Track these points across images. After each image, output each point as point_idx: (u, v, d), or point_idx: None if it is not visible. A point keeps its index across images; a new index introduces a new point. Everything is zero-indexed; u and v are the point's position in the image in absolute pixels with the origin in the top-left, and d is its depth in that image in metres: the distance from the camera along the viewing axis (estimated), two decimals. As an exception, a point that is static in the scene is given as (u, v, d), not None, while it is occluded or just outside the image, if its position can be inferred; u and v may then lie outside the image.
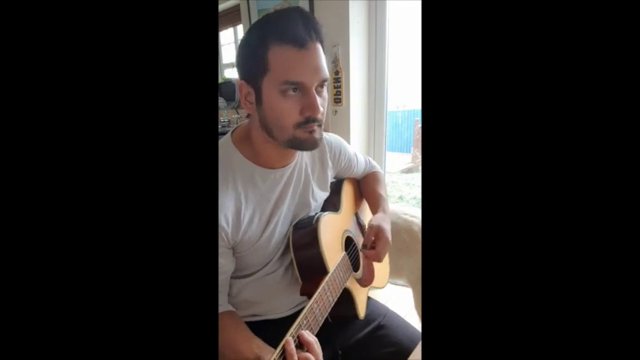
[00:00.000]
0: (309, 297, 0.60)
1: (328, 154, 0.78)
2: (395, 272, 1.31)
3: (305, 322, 0.56)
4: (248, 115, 0.67)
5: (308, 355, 0.50)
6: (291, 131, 0.59)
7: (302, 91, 0.57)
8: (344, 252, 0.73)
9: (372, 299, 0.84)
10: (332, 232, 0.72)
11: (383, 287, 0.95)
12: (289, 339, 0.50)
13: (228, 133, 0.70)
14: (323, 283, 0.62)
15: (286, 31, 0.55)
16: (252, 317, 0.73)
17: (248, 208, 0.65)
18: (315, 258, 0.66)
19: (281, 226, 0.70)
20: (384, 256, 0.76)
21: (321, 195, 0.79)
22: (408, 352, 0.70)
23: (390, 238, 0.76)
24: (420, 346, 0.67)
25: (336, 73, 1.55)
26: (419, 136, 4.83)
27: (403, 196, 3.99)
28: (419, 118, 4.93)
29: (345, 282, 0.70)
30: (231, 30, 2.75)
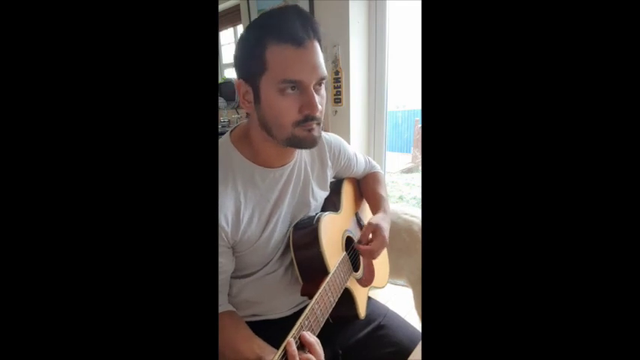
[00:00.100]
0: (310, 297, 0.60)
1: (328, 154, 0.78)
2: (395, 272, 1.31)
3: (306, 322, 0.56)
4: (247, 115, 0.67)
5: (310, 356, 0.50)
6: (290, 129, 0.59)
7: (300, 89, 0.57)
8: (344, 252, 0.73)
9: (372, 299, 0.84)
10: (332, 232, 0.72)
11: (383, 287, 0.95)
12: (291, 340, 0.50)
13: (227, 133, 0.70)
14: (324, 284, 0.62)
15: (284, 29, 0.55)
16: (253, 317, 0.73)
17: (247, 208, 0.65)
18: (315, 258, 0.66)
19: (281, 225, 0.70)
20: (379, 254, 0.76)
21: (321, 194, 0.78)
22: (408, 352, 0.70)
23: (387, 238, 0.76)
24: (420, 346, 0.67)
25: (336, 73, 1.55)
26: (419, 136, 4.83)
27: (403, 196, 3.99)
28: (419, 118, 4.93)
29: (346, 282, 0.70)
30: (231, 30, 2.75)
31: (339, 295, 0.67)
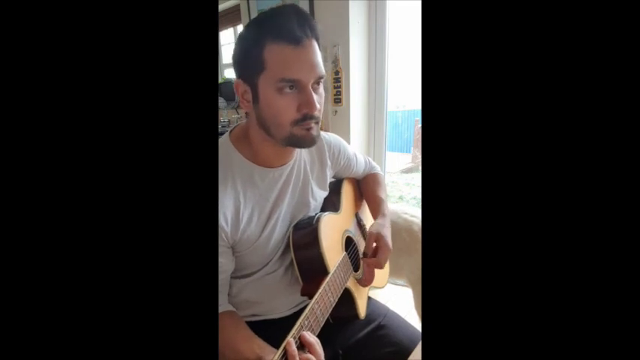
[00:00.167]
0: (310, 297, 0.60)
1: (327, 153, 0.78)
2: (395, 272, 1.31)
3: (306, 322, 0.56)
4: (247, 115, 0.67)
5: (310, 356, 0.50)
6: (289, 129, 0.59)
7: (298, 88, 0.57)
8: (344, 252, 0.73)
9: (372, 299, 0.84)
10: (332, 232, 0.72)
11: (383, 287, 0.95)
12: (290, 340, 0.50)
13: (227, 133, 0.70)
14: (324, 284, 0.62)
15: (282, 28, 0.55)
16: (253, 317, 0.73)
17: (247, 207, 0.65)
18: (315, 258, 0.66)
19: (280, 225, 0.70)
20: (385, 262, 0.76)
21: (321, 194, 0.78)
22: (408, 352, 0.70)
23: (390, 245, 0.76)
24: (420, 346, 0.67)
25: (336, 73, 1.55)
26: (419, 136, 4.83)
27: (403, 196, 3.99)
28: (419, 118, 4.93)
29: (346, 282, 0.70)
30: (231, 30, 2.75)
31: (339, 295, 0.67)
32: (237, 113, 2.35)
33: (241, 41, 0.59)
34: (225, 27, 2.63)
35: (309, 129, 0.60)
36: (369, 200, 0.90)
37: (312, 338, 0.52)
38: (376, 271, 0.83)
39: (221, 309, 0.64)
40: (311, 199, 0.75)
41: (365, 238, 0.86)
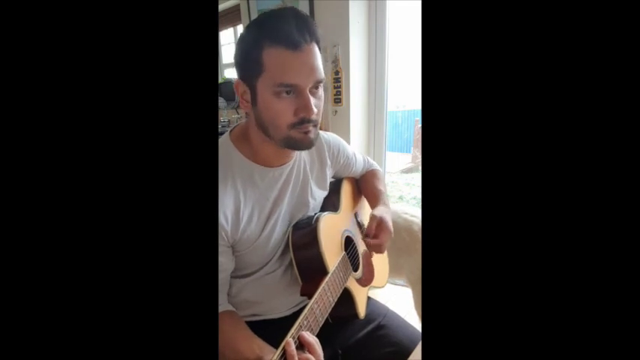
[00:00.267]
0: (310, 297, 0.60)
1: (327, 153, 0.79)
2: (395, 272, 1.31)
3: (305, 322, 0.56)
4: (247, 115, 0.67)
5: (309, 356, 0.50)
6: (286, 131, 0.59)
7: (296, 92, 0.57)
8: (344, 252, 0.73)
9: (372, 299, 0.84)
10: (332, 232, 0.72)
11: (383, 287, 0.95)
12: (289, 340, 0.50)
13: (227, 132, 0.70)
14: (323, 284, 0.62)
15: (280, 32, 0.54)
16: (252, 317, 0.73)
17: (247, 206, 0.65)
18: (315, 258, 0.66)
19: (280, 224, 0.70)
20: (386, 246, 0.76)
21: (320, 194, 0.79)
22: (408, 352, 0.70)
23: (391, 229, 0.76)
24: (420, 346, 0.67)
25: (336, 73, 1.55)
26: (419, 136, 4.82)
27: (403, 196, 3.99)
28: (419, 118, 4.93)
29: (345, 282, 0.70)
30: (231, 30, 2.75)
31: (338, 295, 0.67)
32: (237, 113, 2.35)
33: (241, 42, 0.59)
34: (225, 27, 2.63)
35: (306, 132, 0.60)
36: (369, 193, 0.90)
37: (311, 338, 0.52)
38: (376, 270, 0.83)
39: (221, 308, 0.64)
40: (310, 199, 0.75)
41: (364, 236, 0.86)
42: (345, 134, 1.59)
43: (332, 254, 0.68)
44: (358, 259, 0.80)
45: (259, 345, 0.59)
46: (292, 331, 0.52)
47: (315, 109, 0.58)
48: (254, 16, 1.86)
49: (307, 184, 0.75)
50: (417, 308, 1.34)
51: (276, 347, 0.49)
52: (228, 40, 2.93)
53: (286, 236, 0.70)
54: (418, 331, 0.78)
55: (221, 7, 2.39)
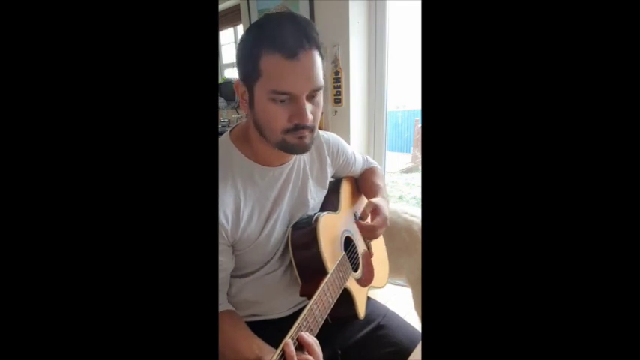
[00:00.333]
0: (309, 297, 0.60)
1: (326, 152, 0.79)
2: (394, 271, 1.31)
3: (305, 323, 0.55)
4: (247, 115, 0.67)
5: (308, 356, 0.50)
6: (281, 136, 0.59)
7: (291, 99, 0.57)
8: (343, 252, 0.73)
9: (372, 299, 0.84)
10: (331, 232, 0.72)
11: (383, 287, 0.94)
12: (288, 341, 0.50)
13: (227, 132, 0.70)
14: (323, 284, 0.62)
15: (277, 40, 0.54)
16: (252, 317, 0.73)
17: (247, 206, 0.65)
18: (314, 258, 0.66)
19: (280, 224, 0.70)
20: (380, 232, 0.76)
21: (320, 193, 0.79)
22: (408, 352, 0.70)
23: (387, 217, 0.76)
24: (420, 346, 0.67)
25: (336, 73, 1.55)
26: (419, 136, 4.82)
27: (403, 196, 3.99)
28: (419, 118, 4.93)
29: (345, 282, 0.70)
30: (231, 30, 2.75)
31: (337, 295, 0.67)
32: (237, 113, 2.35)
33: (241, 45, 0.60)
34: (225, 27, 2.63)
35: (301, 137, 0.60)
36: (367, 190, 0.90)
37: (310, 339, 0.52)
38: (376, 270, 0.83)
39: (220, 308, 0.64)
40: (310, 199, 0.75)
41: (364, 238, 0.86)
42: (345, 134, 1.59)
43: (331, 254, 0.68)
44: (358, 259, 0.80)
45: (259, 345, 0.59)
46: (291, 331, 0.52)
47: (310, 117, 0.58)
48: (254, 16, 1.86)
49: (307, 184, 0.75)
50: (416, 308, 1.34)
51: (276, 347, 0.49)
52: (228, 40, 2.93)
53: (286, 236, 0.70)
54: (418, 331, 0.78)
55: (221, 7, 2.39)
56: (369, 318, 0.78)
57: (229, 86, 2.18)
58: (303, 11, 1.58)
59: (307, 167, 0.75)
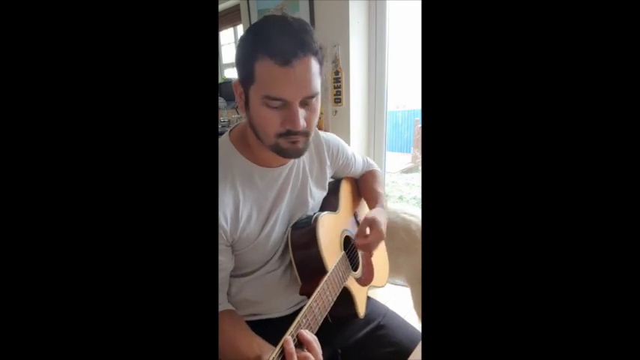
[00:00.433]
0: (309, 297, 0.60)
1: (326, 153, 0.79)
2: (393, 271, 1.31)
3: (304, 320, 0.56)
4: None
5: (307, 354, 0.50)
6: (274, 139, 0.60)
7: (284, 105, 0.57)
8: (343, 251, 0.74)
9: (372, 299, 0.84)
10: (331, 231, 0.72)
11: (382, 286, 0.95)
12: (288, 338, 0.50)
13: (226, 132, 0.70)
14: (322, 283, 0.62)
15: (271, 46, 0.54)
16: (252, 317, 0.73)
17: (246, 206, 0.65)
18: (314, 258, 0.66)
19: (279, 224, 0.70)
20: (375, 247, 0.76)
21: (319, 194, 0.79)
22: (408, 352, 0.70)
23: (383, 232, 0.76)
24: (420, 346, 0.67)
25: (336, 73, 1.55)
26: (419, 136, 4.82)
27: (403, 196, 3.99)
28: (419, 118, 4.93)
29: (345, 281, 0.70)
30: (231, 30, 2.75)
31: (337, 294, 0.67)
32: (237, 113, 2.35)
33: (239, 48, 0.60)
34: (225, 27, 2.63)
35: (294, 142, 0.60)
36: (367, 195, 0.90)
37: (309, 336, 0.53)
38: (376, 270, 0.83)
39: (220, 308, 0.64)
40: (309, 199, 0.75)
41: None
42: (345, 134, 1.59)
43: (331, 253, 0.68)
44: (358, 259, 0.80)
45: (259, 344, 0.59)
46: (291, 329, 0.52)
47: (302, 123, 0.57)
48: (254, 16, 1.86)
49: (306, 184, 0.75)
50: (416, 307, 1.34)
51: (276, 346, 0.49)
52: (228, 40, 2.93)
53: (285, 236, 0.70)
54: (418, 331, 0.78)
55: (221, 7, 2.39)
56: (369, 318, 0.78)
57: (229, 86, 2.18)
58: (303, 11, 1.58)
59: (307, 168, 0.75)
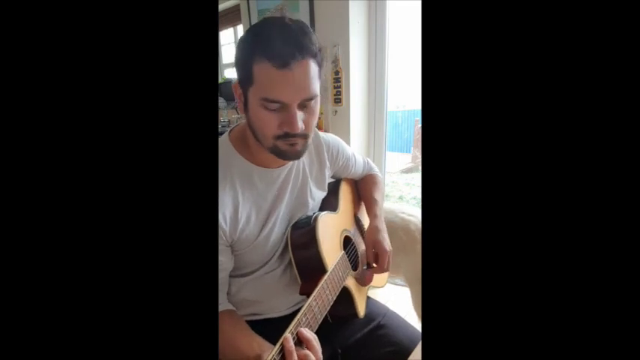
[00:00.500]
0: (308, 296, 0.60)
1: (326, 154, 0.79)
2: (392, 270, 1.30)
3: (304, 319, 0.56)
4: (246, 116, 0.67)
5: (307, 352, 0.50)
6: (272, 141, 0.60)
7: (282, 107, 0.57)
8: (342, 251, 0.74)
9: (372, 299, 0.84)
10: (330, 231, 0.72)
11: (382, 286, 0.95)
12: (288, 336, 0.50)
13: (226, 133, 0.70)
14: (322, 282, 0.62)
15: (270, 49, 0.54)
16: (252, 316, 0.73)
17: (245, 207, 0.65)
18: (313, 257, 0.66)
19: (279, 224, 0.70)
20: (388, 265, 0.79)
21: (319, 194, 0.79)
22: (408, 352, 0.70)
23: (388, 247, 0.79)
24: (420, 346, 0.67)
25: (336, 73, 1.55)
26: (419, 136, 4.82)
27: (403, 196, 3.99)
28: (419, 118, 4.93)
29: (344, 281, 0.70)
30: (231, 30, 2.75)
31: (337, 293, 0.67)
32: (237, 113, 2.35)
33: (238, 49, 0.60)
34: (225, 27, 2.63)
35: (292, 144, 0.60)
36: (365, 201, 0.92)
37: (309, 334, 0.53)
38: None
39: (220, 308, 0.64)
40: (309, 199, 0.75)
41: (363, 237, 0.86)
42: (345, 134, 1.59)
43: (331, 253, 0.69)
44: (357, 259, 0.80)
45: (259, 343, 0.59)
46: (291, 327, 0.52)
47: (300, 125, 0.57)
48: (254, 16, 1.86)
49: (306, 185, 0.75)
50: (415, 307, 1.34)
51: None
52: (228, 40, 2.93)
53: (285, 236, 0.70)
54: (418, 330, 0.78)
55: (221, 7, 2.39)
56: (369, 317, 0.78)
57: (229, 86, 2.18)
58: (303, 11, 1.58)
59: (307, 168, 0.75)
